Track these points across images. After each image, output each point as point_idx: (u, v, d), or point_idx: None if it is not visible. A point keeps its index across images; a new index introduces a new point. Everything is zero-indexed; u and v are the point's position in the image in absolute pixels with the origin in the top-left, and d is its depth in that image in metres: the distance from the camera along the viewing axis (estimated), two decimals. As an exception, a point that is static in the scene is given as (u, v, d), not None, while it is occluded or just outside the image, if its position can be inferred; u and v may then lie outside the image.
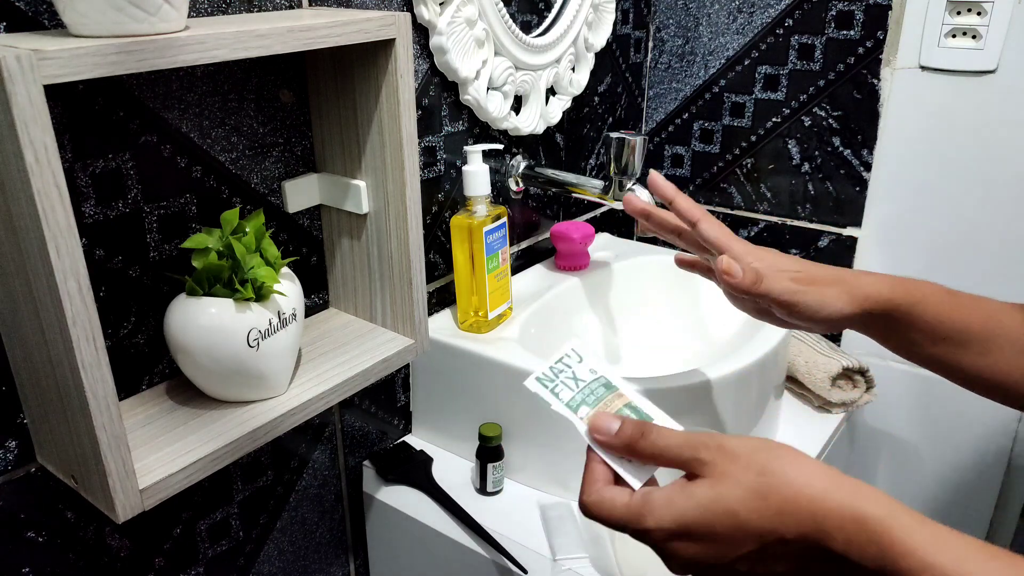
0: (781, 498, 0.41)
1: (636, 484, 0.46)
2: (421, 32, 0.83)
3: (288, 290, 0.64)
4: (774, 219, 1.22)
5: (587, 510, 0.47)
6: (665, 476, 0.47)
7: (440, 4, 0.82)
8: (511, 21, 0.90)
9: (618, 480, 0.48)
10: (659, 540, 0.44)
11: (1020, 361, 0.59)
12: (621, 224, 1.31)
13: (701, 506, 0.43)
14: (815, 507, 0.41)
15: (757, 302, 0.64)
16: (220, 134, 0.68)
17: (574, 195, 1.00)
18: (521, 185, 1.03)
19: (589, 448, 0.48)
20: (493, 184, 0.93)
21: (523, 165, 1.02)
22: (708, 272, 0.72)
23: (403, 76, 0.65)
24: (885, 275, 0.64)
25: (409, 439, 0.97)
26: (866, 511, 0.40)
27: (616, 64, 1.19)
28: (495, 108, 0.92)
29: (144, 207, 0.63)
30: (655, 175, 0.69)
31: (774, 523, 0.41)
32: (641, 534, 0.45)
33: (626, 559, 0.74)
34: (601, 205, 1.21)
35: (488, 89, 0.91)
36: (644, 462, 0.47)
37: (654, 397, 0.80)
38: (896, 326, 0.63)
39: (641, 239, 1.21)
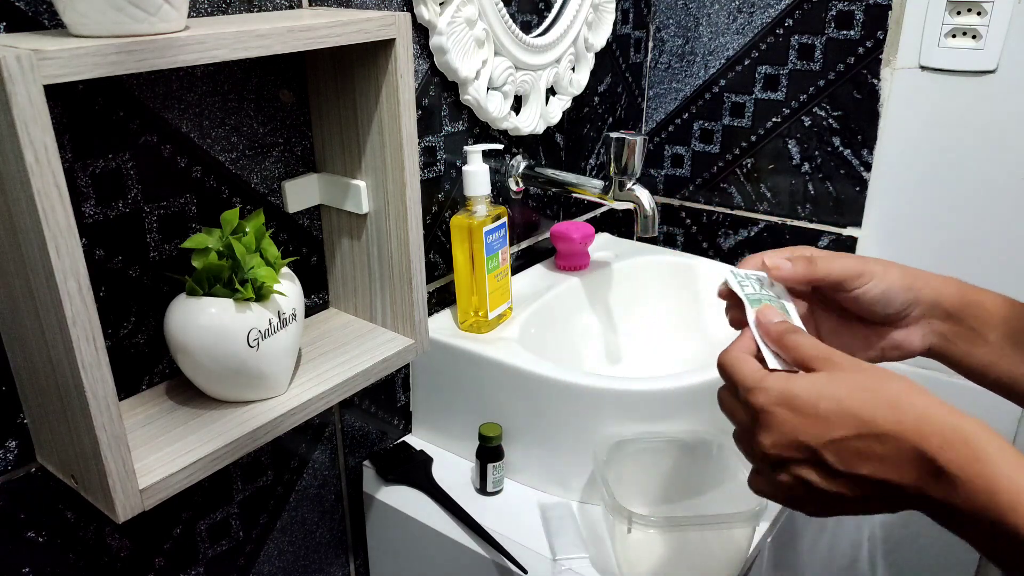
0: (890, 395, 0.43)
1: (771, 363, 0.50)
2: (421, 32, 0.83)
3: (288, 290, 0.64)
4: (774, 219, 1.22)
5: (722, 362, 0.51)
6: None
7: (440, 4, 0.82)
8: (511, 21, 0.90)
9: (759, 359, 0.51)
10: (765, 404, 0.46)
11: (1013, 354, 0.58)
12: (621, 224, 1.31)
13: (812, 385, 0.45)
14: (918, 410, 0.42)
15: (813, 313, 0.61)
16: (220, 134, 0.68)
17: (574, 195, 1.00)
18: (521, 185, 1.03)
19: (748, 328, 0.53)
20: (493, 184, 0.93)
21: (523, 165, 1.02)
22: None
23: (403, 76, 0.65)
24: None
25: (409, 439, 0.97)
26: (965, 425, 0.41)
27: (616, 64, 1.19)
28: (495, 108, 0.92)
29: (144, 207, 0.63)
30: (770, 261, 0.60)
31: (876, 413, 0.43)
32: (751, 398, 0.47)
33: (626, 559, 0.74)
34: (601, 205, 1.21)
35: (488, 89, 0.91)
36: (785, 353, 0.50)
37: (655, 397, 0.80)
38: (958, 319, 0.59)
39: (641, 239, 1.21)
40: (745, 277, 0.57)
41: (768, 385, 0.46)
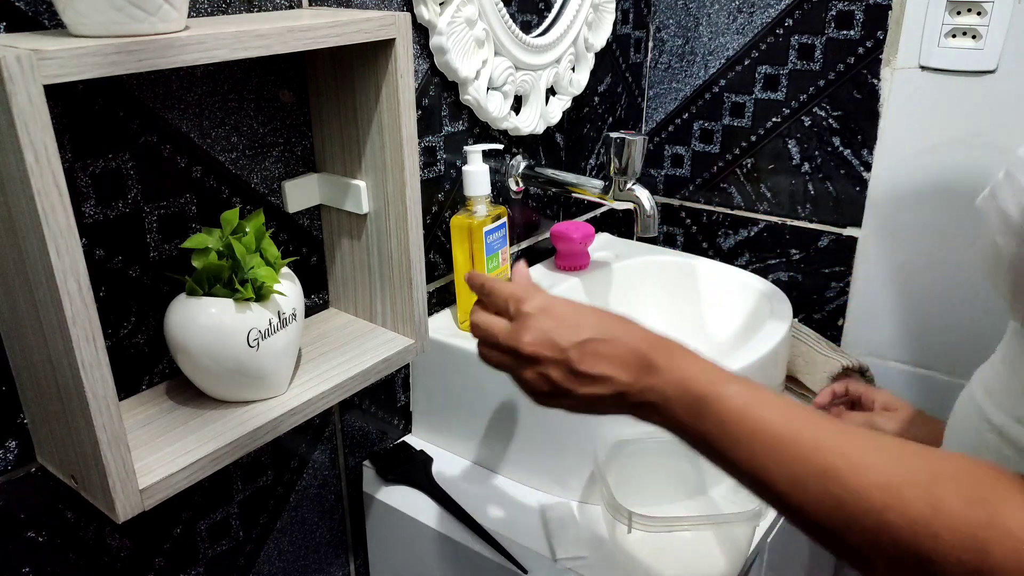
0: (622, 317, 0.56)
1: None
2: (421, 32, 0.83)
3: (288, 290, 0.64)
4: (774, 219, 1.22)
5: (484, 288, 0.60)
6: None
7: (440, 4, 0.82)
8: (511, 21, 0.90)
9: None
10: (530, 310, 0.56)
11: None
12: (621, 224, 1.31)
13: (567, 302, 0.57)
14: (640, 326, 0.55)
15: None
16: (220, 134, 0.68)
17: (574, 195, 1.00)
18: (521, 185, 1.03)
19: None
20: (493, 184, 0.93)
21: (523, 165, 1.02)
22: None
23: (403, 76, 0.65)
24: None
25: (409, 439, 0.97)
26: (669, 339, 0.54)
27: (616, 64, 1.19)
28: (495, 108, 0.92)
29: (144, 207, 0.63)
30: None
31: (613, 323, 0.55)
32: (520, 305, 0.57)
33: (626, 559, 0.74)
34: (601, 205, 1.21)
35: (488, 89, 0.91)
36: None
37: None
38: None
39: (641, 239, 1.21)
40: None
41: (533, 295, 0.57)
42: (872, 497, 0.43)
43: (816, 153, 1.15)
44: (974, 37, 0.99)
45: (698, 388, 0.50)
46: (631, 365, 0.53)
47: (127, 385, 0.66)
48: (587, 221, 1.20)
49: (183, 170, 0.66)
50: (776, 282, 1.20)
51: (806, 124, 1.14)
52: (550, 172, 1.01)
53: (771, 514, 0.83)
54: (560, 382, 0.55)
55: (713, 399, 0.49)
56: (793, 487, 0.46)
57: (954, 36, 1.00)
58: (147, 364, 0.67)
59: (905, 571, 0.42)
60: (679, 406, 0.51)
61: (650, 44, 1.26)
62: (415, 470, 0.90)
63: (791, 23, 1.11)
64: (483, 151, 0.88)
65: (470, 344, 0.88)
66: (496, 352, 0.58)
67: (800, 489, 0.45)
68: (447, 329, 0.92)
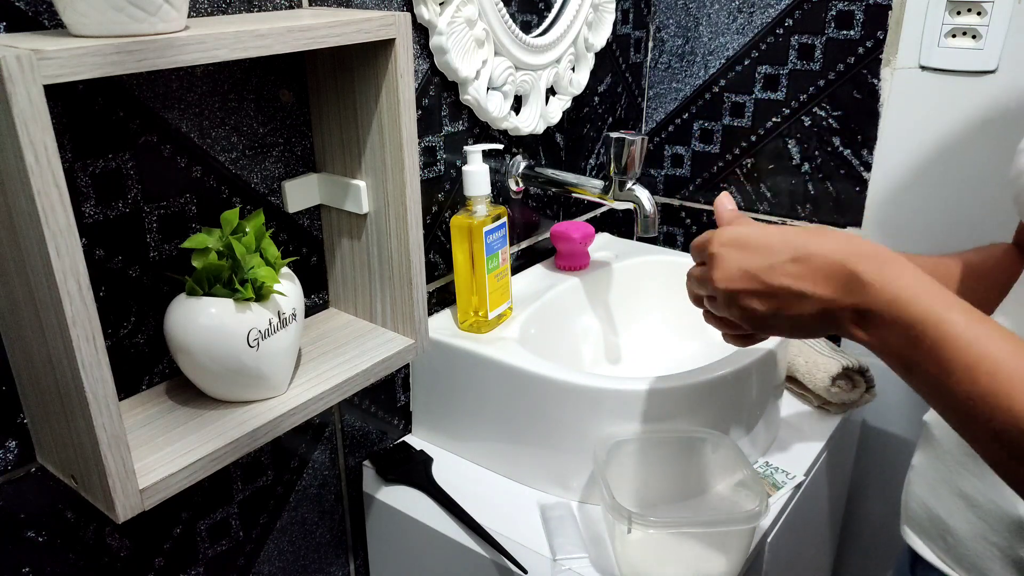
0: (820, 230, 0.52)
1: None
2: (421, 32, 0.83)
3: (288, 290, 0.64)
4: (774, 219, 1.21)
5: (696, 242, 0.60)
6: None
7: (440, 4, 0.82)
8: (511, 21, 0.90)
9: None
10: (717, 248, 0.55)
11: None
12: (621, 224, 1.31)
13: (757, 227, 0.55)
14: (843, 236, 0.51)
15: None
16: (220, 134, 0.68)
17: (574, 195, 1.00)
18: (521, 185, 1.03)
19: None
20: (493, 184, 0.93)
21: (523, 165, 1.02)
22: None
23: (403, 76, 0.65)
24: None
25: (409, 439, 0.97)
26: (880, 248, 0.50)
27: (616, 64, 1.19)
28: (495, 108, 0.92)
29: (144, 207, 0.63)
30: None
31: (809, 240, 0.51)
32: (709, 247, 0.56)
33: (626, 559, 0.74)
34: (601, 205, 1.21)
35: (488, 89, 0.91)
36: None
37: (655, 397, 0.80)
38: None
39: (641, 239, 1.21)
40: None
41: (721, 233, 0.56)
42: None
43: (816, 153, 1.15)
44: (974, 37, 0.99)
45: (913, 311, 0.46)
46: (833, 279, 0.50)
47: (127, 385, 0.66)
48: (587, 221, 1.20)
49: (183, 170, 0.66)
50: (776, 282, 1.20)
51: (806, 124, 1.14)
52: (550, 172, 1.01)
53: (771, 514, 0.83)
54: (764, 310, 0.53)
55: (929, 325, 0.46)
56: (1018, 424, 0.42)
57: (954, 36, 1.00)
58: (147, 364, 0.67)
59: None
60: (890, 327, 0.48)
61: (650, 44, 1.26)
62: (415, 470, 0.90)
63: (791, 23, 1.11)
64: (483, 151, 0.88)
65: (470, 344, 0.88)
66: (708, 299, 0.58)
67: None
68: (447, 329, 0.92)
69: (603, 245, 1.16)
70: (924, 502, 0.66)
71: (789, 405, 1.02)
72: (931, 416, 0.66)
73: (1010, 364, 0.43)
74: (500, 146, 0.91)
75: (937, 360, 0.46)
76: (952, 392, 0.45)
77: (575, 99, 1.09)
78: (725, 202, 0.62)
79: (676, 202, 1.32)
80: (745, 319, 0.55)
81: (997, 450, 0.45)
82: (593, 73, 1.10)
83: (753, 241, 0.54)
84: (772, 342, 0.87)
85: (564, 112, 1.06)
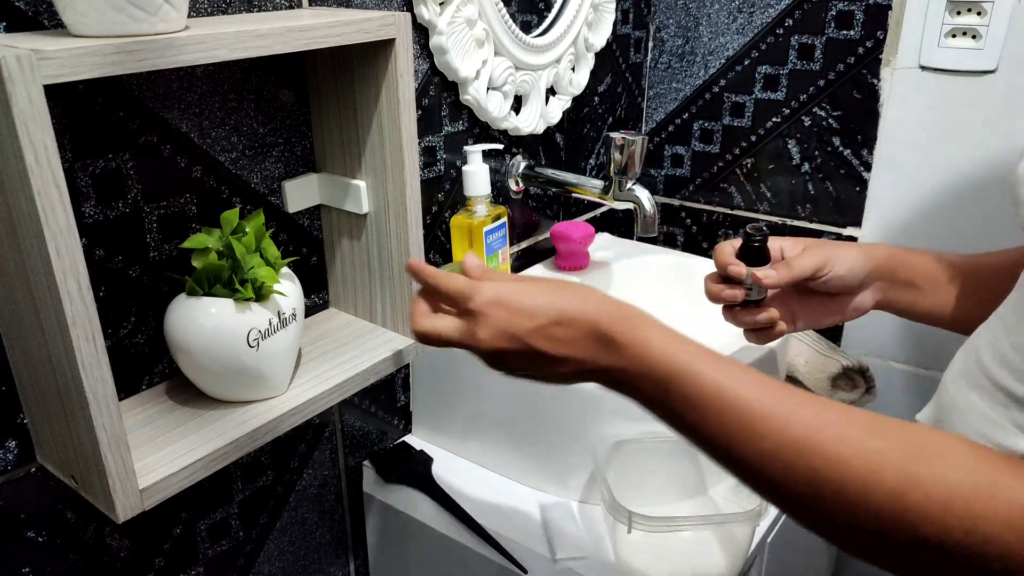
0: (575, 290, 0.55)
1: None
2: (421, 32, 0.83)
3: (288, 290, 0.64)
4: (774, 219, 1.21)
5: (429, 283, 0.59)
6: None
7: (440, 4, 0.82)
8: (511, 21, 0.90)
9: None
10: (481, 305, 0.55)
11: (947, 299, 0.72)
12: (621, 224, 1.31)
13: (516, 285, 0.56)
14: (597, 299, 0.54)
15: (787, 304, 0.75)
16: (220, 134, 0.68)
17: (574, 195, 1.00)
18: (521, 185, 1.03)
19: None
20: (493, 184, 0.93)
21: (523, 165, 1.02)
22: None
23: (403, 76, 0.65)
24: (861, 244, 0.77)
25: (409, 439, 0.97)
26: (629, 309, 0.54)
27: (616, 64, 1.19)
28: (495, 108, 0.92)
29: (144, 207, 0.63)
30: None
31: (567, 304, 0.54)
32: (468, 304, 0.55)
33: (626, 559, 0.74)
34: (601, 205, 1.21)
35: (488, 89, 0.91)
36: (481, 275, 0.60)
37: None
38: (891, 276, 0.73)
39: (641, 239, 1.21)
40: None
41: (480, 289, 0.55)
42: (852, 466, 0.43)
43: (816, 153, 1.15)
44: (974, 37, 0.99)
45: (664, 366, 0.50)
46: (590, 343, 0.53)
47: (127, 385, 0.66)
48: (587, 221, 1.20)
49: (183, 170, 0.66)
50: (776, 282, 1.20)
51: (806, 124, 1.14)
52: (550, 172, 1.01)
53: (771, 514, 0.83)
54: (526, 369, 0.55)
55: (679, 377, 0.49)
56: (774, 464, 0.46)
57: (954, 36, 1.00)
58: (147, 364, 0.67)
59: (885, 542, 0.43)
60: (645, 383, 0.51)
61: (650, 44, 1.26)
62: (415, 470, 0.90)
63: (791, 23, 1.11)
64: (483, 151, 0.88)
65: (470, 344, 0.88)
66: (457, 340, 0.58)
67: (783, 467, 0.46)
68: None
69: (603, 245, 1.16)
70: None
71: (789, 405, 1.02)
72: (922, 416, 0.66)
73: (758, 405, 0.47)
74: (500, 146, 0.91)
75: (692, 408, 0.49)
76: (711, 436, 0.49)
77: (575, 99, 1.09)
78: (473, 260, 0.61)
79: (676, 202, 1.32)
80: (506, 372, 0.57)
81: (758, 487, 0.48)
82: (593, 73, 1.10)
83: (516, 303, 0.54)
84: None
85: (564, 112, 1.06)
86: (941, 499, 0.42)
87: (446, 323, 0.57)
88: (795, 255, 0.72)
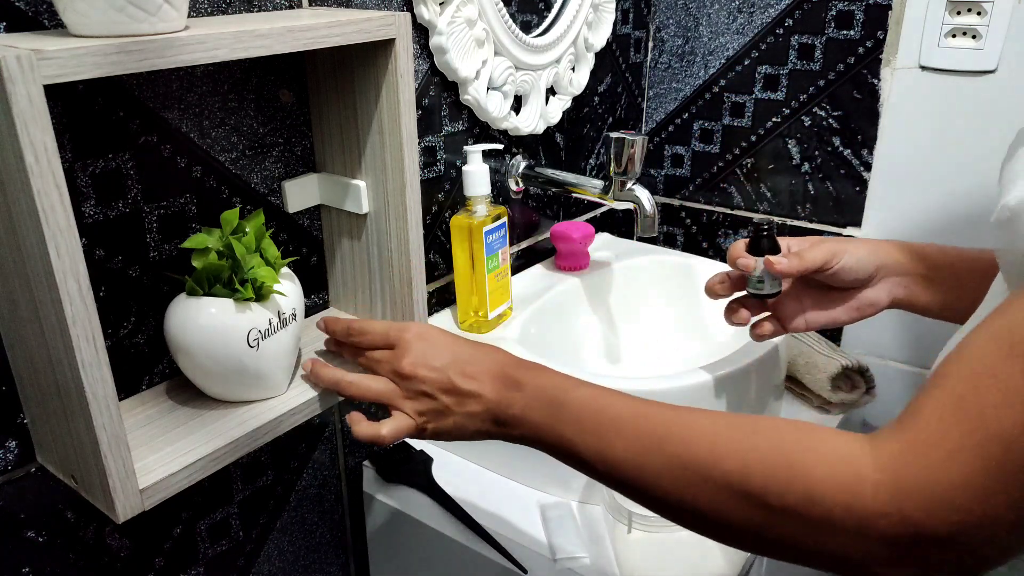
0: (490, 345, 0.62)
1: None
2: (421, 32, 0.83)
3: (288, 290, 0.64)
4: (774, 219, 1.21)
5: (359, 328, 0.67)
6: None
7: (440, 4, 0.82)
8: (511, 21, 0.90)
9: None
10: (409, 338, 0.62)
11: (968, 295, 0.71)
12: (621, 224, 1.31)
13: (440, 331, 0.64)
14: (507, 354, 0.62)
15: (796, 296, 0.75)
16: (220, 134, 0.68)
17: (574, 195, 1.00)
18: (521, 185, 1.03)
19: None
20: (493, 184, 0.93)
21: (523, 165, 1.02)
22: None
23: (403, 76, 0.65)
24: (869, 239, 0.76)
25: (409, 439, 0.97)
26: (536, 362, 0.61)
27: (616, 64, 1.19)
28: (495, 108, 0.92)
29: (144, 207, 0.63)
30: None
31: (480, 349, 0.62)
32: (401, 334, 0.63)
33: (626, 559, 0.74)
34: (601, 205, 1.21)
35: (488, 89, 0.91)
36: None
37: (655, 397, 0.80)
38: (904, 271, 0.73)
39: (641, 239, 1.21)
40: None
41: (409, 325, 0.64)
42: (700, 445, 0.49)
43: (816, 153, 1.15)
44: (974, 37, 0.99)
45: (554, 392, 0.57)
46: (498, 381, 0.59)
47: (127, 385, 0.66)
48: (587, 221, 1.20)
49: (183, 170, 0.66)
50: (776, 282, 1.20)
51: (806, 124, 1.14)
52: (550, 172, 1.01)
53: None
54: (439, 400, 0.60)
55: (565, 398, 0.56)
56: (638, 458, 0.51)
57: (954, 36, 1.00)
58: (147, 364, 0.67)
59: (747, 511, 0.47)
60: (538, 412, 0.57)
61: (650, 44, 1.26)
62: (415, 470, 0.90)
63: (791, 23, 1.11)
64: (483, 151, 0.88)
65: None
66: (376, 382, 0.63)
67: (645, 458, 0.51)
68: (447, 329, 0.92)
69: (603, 245, 1.16)
70: None
71: (789, 405, 1.02)
72: None
73: (628, 410, 0.54)
74: (500, 146, 0.91)
75: (574, 424, 0.55)
76: (589, 447, 0.54)
77: (575, 99, 1.09)
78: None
79: (676, 202, 1.32)
80: (417, 406, 0.62)
81: (638, 495, 0.53)
82: (593, 73, 1.10)
83: (441, 341, 0.62)
84: (768, 343, 0.87)
85: (564, 112, 1.06)
86: (771, 457, 0.46)
87: (375, 353, 0.65)
88: (804, 248, 0.72)
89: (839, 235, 1.16)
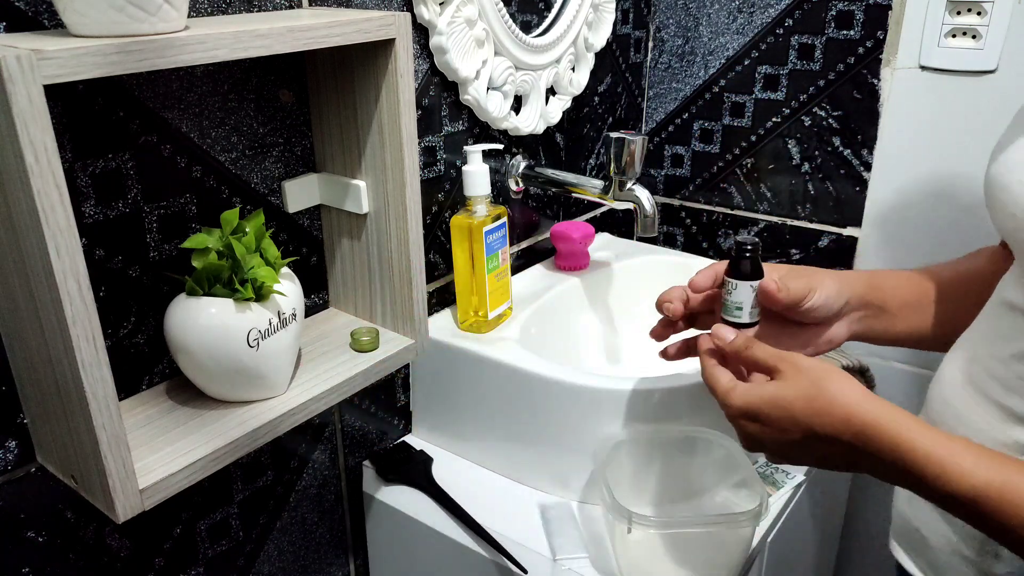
0: (823, 402, 0.55)
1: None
2: (421, 32, 0.83)
3: (288, 290, 0.64)
4: (774, 219, 1.22)
5: (706, 376, 0.63)
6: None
7: (440, 4, 0.82)
8: (511, 21, 0.90)
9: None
10: (733, 415, 0.59)
11: (921, 320, 0.72)
12: (621, 224, 1.31)
13: (765, 398, 0.57)
14: (847, 410, 0.54)
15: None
16: (220, 134, 0.68)
17: (574, 195, 1.00)
18: (521, 185, 1.03)
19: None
20: (493, 184, 0.93)
21: (523, 165, 1.02)
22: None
23: (403, 76, 0.65)
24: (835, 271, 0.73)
25: (409, 439, 0.97)
26: (880, 415, 0.53)
27: (616, 64, 1.19)
28: (495, 108, 0.92)
29: (144, 207, 0.63)
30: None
31: (813, 422, 0.55)
32: (725, 411, 0.61)
33: (626, 559, 0.74)
34: (601, 205, 1.21)
35: (488, 89, 0.91)
36: (745, 366, 0.63)
37: (655, 397, 0.80)
38: (865, 304, 0.72)
39: (641, 239, 1.21)
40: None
41: (731, 402, 0.59)
42: None
43: (816, 153, 1.15)
44: (974, 37, 0.99)
45: (919, 470, 0.51)
46: (844, 457, 0.55)
47: (127, 385, 0.66)
48: (587, 221, 1.20)
49: (183, 170, 0.66)
50: (776, 282, 1.20)
51: (806, 124, 1.14)
52: (550, 172, 1.01)
53: (771, 514, 0.83)
54: (790, 456, 0.59)
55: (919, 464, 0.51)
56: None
57: (954, 36, 1.00)
58: (147, 364, 0.67)
59: None
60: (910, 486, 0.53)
61: (650, 44, 1.26)
62: (415, 470, 0.90)
63: (791, 23, 1.11)
64: (483, 151, 0.88)
65: (470, 344, 0.88)
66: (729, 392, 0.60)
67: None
68: (447, 329, 0.92)
69: (603, 245, 1.16)
70: (904, 514, 0.67)
71: (789, 405, 1.02)
72: None
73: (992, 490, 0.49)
74: (500, 146, 0.91)
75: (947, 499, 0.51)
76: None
77: (575, 99, 1.09)
78: (726, 335, 0.64)
79: (676, 202, 1.32)
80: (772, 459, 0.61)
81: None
82: (593, 73, 1.10)
83: (764, 418, 0.57)
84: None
85: (564, 112, 1.06)
86: None
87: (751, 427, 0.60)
88: (784, 275, 0.67)
89: (839, 235, 1.16)
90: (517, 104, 0.98)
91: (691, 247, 1.32)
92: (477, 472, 0.90)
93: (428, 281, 0.93)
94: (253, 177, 0.71)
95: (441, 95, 0.88)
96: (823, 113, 1.12)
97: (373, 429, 0.93)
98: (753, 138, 1.20)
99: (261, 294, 0.62)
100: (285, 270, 0.66)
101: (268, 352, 0.62)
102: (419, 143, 0.87)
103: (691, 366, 0.84)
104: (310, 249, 0.79)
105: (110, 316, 0.63)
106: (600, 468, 0.76)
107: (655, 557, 0.74)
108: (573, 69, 1.06)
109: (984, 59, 0.98)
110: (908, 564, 0.67)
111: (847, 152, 1.12)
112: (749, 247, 0.64)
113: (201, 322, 0.60)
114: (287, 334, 0.64)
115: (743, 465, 0.77)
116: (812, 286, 0.67)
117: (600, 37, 1.07)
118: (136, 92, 0.61)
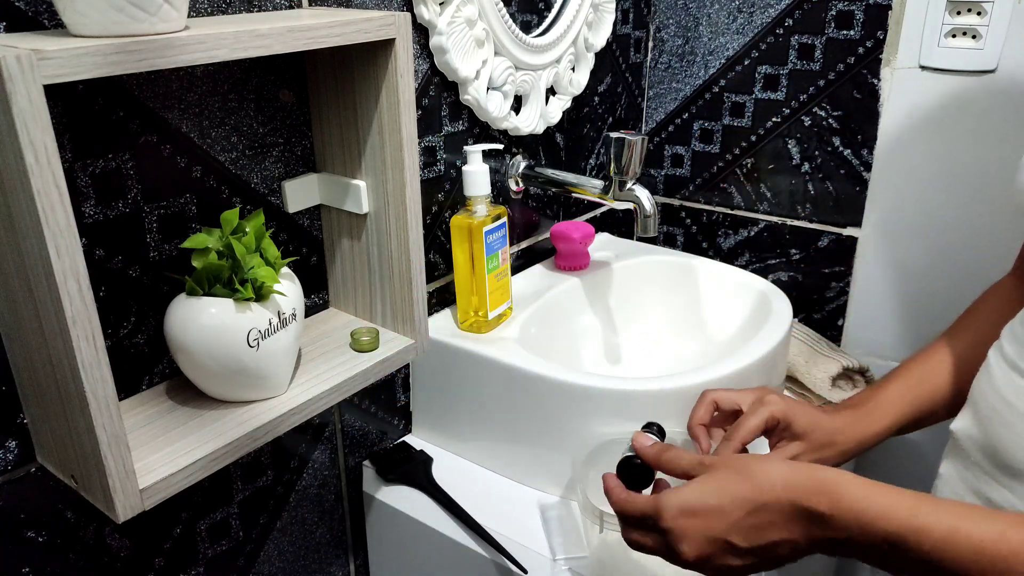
0: (757, 476, 0.54)
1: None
2: (421, 32, 0.83)
3: (288, 290, 0.64)
4: (774, 219, 1.22)
5: (618, 510, 0.61)
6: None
7: (440, 4, 0.82)
8: (511, 21, 0.90)
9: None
10: (670, 522, 0.55)
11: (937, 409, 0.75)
12: (621, 224, 1.31)
13: (697, 488, 0.55)
14: (783, 477, 0.53)
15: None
16: (220, 134, 0.68)
17: (574, 195, 1.00)
18: (521, 185, 1.03)
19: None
20: (493, 184, 0.93)
21: (523, 165, 1.02)
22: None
23: (403, 76, 0.65)
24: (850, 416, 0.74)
25: (409, 439, 0.97)
26: (819, 475, 0.52)
27: (616, 64, 1.19)
28: (495, 108, 0.92)
29: (144, 207, 0.63)
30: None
31: (753, 493, 0.53)
32: (658, 523, 0.56)
33: (626, 559, 0.74)
34: (601, 205, 1.21)
35: (488, 89, 0.91)
36: (665, 470, 0.62)
37: (655, 397, 0.80)
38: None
39: (641, 239, 1.21)
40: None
41: (664, 505, 0.56)
42: None
43: (816, 153, 1.15)
44: (974, 37, 0.99)
45: (882, 528, 0.49)
46: (795, 522, 0.52)
47: (127, 385, 0.66)
48: (587, 221, 1.20)
49: (183, 170, 0.66)
50: (776, 282, 1.20)
51: (806, 124, 1.14)
52: (550, 172, 1.01)
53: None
54: (741, 563, 0.54)
55: (909, 535, 0.49)
56: None
57: (954, 36, 1.00)
58: (147, 364, 0.67)
59: None
60: (869, 547, 0.50)
61: (650, 44, 1.26)
62: (415, 470, 0.90)
63: (791, 23, 1.11)
64: (483, 151, 0.88)
65: (470, 344, 0.88)
66: (674, 561, 0.58)
67: None
68: (447, 329, 0.92)
69: (603, 245, 1.16)
70: None
71: (789, 405, 1.02)
72: (957, 425, 0.66)
73: (993, 550, 0.47)
74: (500, 146, 0.91)
75: (926, 564, 0.49)
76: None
77: (575, 99, 1.09)
78: (644, 441, 0.64)
79: (676, 202, 1.32)
80: (725, 573, 0.56)
81: None
82: (593, 73, 1.10)
83: (702, 508, 0.54)
84: (774, 339, 0.87)
85: (564, 112, 1.06)
86: None
87: (647, 541, 0.58)
88: (746, 413, 0.70)
89: (839, 235, 1.16)
90: (517, 104, 0.98)
91: (691, 247, 1.32)
92: (477, 472, 0.90)
93: (428, 281, 0.93)
94: (253, 177, 0.71)
95: (441, 95, 0.88)
96: (823, 113, 1.12)
97: (373, 429, 0.93)
98: (753, 138, 1.20)
99: (261, 294, 0.62)
100: (285, 270, 0.66)
101: (268, 352, 0.62)
102: (419, 143, 0.87)
103: (693, 365, 0.84)
104: (310, 249, 0.79)
105: (110, 316, 0.63)
106: (578, 468, 0.75)
107: (630, 558, 0.74)
108: (573, 69, 1.06)
109: (984, 59, 0.98)
110: None
111: (847, 152, 1.12)
112: (637, 460, 0.64)
113: (201, 322, 0.60)
114: (287, 334, 0.64)
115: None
116: (785, 415, 0.69)
117: (600, 37, 1.07)
118: (136, 92, 0.61)
